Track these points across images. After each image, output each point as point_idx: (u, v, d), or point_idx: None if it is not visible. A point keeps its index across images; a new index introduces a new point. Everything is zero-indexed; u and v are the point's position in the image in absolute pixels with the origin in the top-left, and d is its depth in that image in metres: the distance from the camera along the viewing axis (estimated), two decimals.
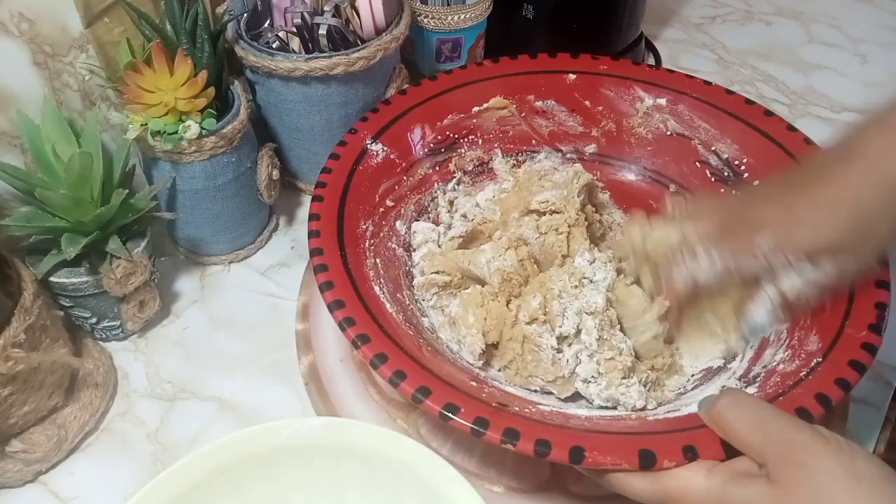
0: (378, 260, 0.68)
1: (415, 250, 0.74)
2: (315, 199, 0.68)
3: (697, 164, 0.78)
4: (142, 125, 0.70)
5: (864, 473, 0.44)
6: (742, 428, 0.48)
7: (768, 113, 0.75)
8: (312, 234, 0.65)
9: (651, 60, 1.12)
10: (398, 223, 0.74)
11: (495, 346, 0.66)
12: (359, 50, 0.77)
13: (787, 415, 0.48)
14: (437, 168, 0.79)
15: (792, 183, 0.61)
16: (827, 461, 0.44)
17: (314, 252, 0.63)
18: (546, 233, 0.71)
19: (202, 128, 0.71)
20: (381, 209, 0.73)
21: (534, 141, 0.83)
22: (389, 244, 0.72)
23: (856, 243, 0.58)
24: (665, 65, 1.11)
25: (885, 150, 0.56)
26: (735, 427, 0.49)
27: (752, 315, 0.63)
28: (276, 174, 0.81)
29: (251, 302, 0.80)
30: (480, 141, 0.81)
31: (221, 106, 0.76)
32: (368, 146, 0.73)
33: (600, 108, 0.82)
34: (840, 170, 0.58)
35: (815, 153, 0.68)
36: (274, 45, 0.80)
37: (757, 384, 0.58)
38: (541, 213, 0.71)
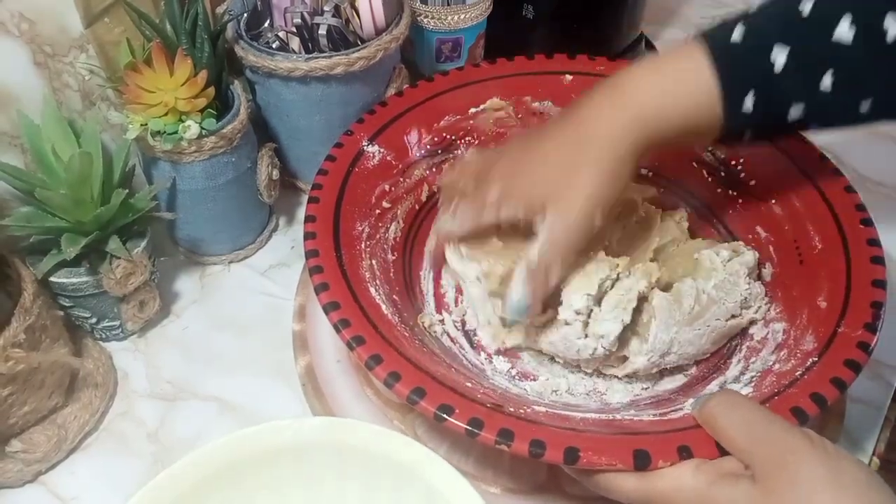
0: (374, 261, 0.68)
1: None
2: (311, 200, 0.68)
3: (694, 164, 0.78)
4: (142, 125, 0.70)
5: (849, 479, 0.44)
6: (731, 428, 0.48)
7: None
8: (308, 236, 0.65)
9: None
10: (394, 225, 0.74)
11: None
12: (359, 50, 0.77)
13: (778, 417, 0.49)
14: (434, 170, 0.79)
15: (527, 141, 0.65)
16: (812, 465, 0.45)
17: (310, 254, 0.63)
18: None
19: (202, 128, 0.72)
20: (378, 211, 0.73)
21: None
22: (385, 246, 0.72)
23: (563, 199, 0.59)
24: None
25: (608, 117, 0.59)
26: (724, 427, 0.49)
27: (511, 293, 0.62)
28: (275, 174, 0.81)
29: (251, 302, 0.80)
30: (477, 142, 0.81)
31: (221, 106, 0.76)
32: (365, 148, 0.73)
33: None
34: (563, 130, 0.62)
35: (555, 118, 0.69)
36: (274, 45, 0.80)
37: (752, 384, 0.58)
38: None
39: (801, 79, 0.56)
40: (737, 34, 0.57)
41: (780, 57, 0.55)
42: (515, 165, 0.63)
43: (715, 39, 0.57)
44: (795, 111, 0.57)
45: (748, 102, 0.57)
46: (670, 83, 0.58)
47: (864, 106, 0.57)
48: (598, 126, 0.59)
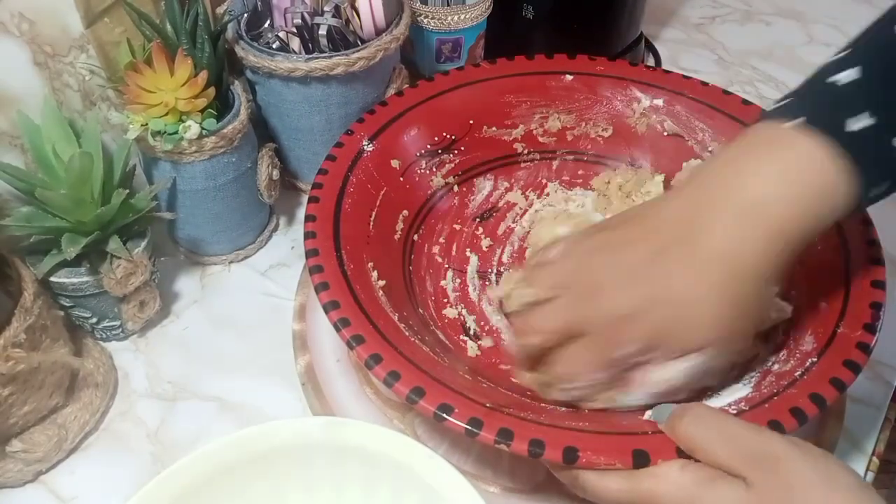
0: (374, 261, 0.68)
1: None
2: (311, 200, 0.68)
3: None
4: (142, 125, 0.70)
5: (840, 481, 0.44)
6: (710, 445, 0.48)
7: None
8: (308, 236, 0.65)
9: (651, 61, 1.12)
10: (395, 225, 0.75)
11: None
12: (359, 50, 0.77)
13: (756, 426, 0.48)
14: (434, 169, 0.79)
15: (636, 270, 0.53)
16: (802, 468, 0.45)
17: (310, 253, 0.63)
18: None
19: (202, 128, 0.72)
20: (378, 210, 0.73)
21: None
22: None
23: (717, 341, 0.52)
24: (665, 65, 1.11)
25: (731, 231, 0.51)
26: (702, 445, 0.48)
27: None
28: (276, 174, 0.81)
29: (251, 302, 0.80)
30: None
31: (222, 106, 0.76)
32: (365, 147, 0.74)
33: (597, 108, 0.82)
34: (683, 259, 0.52)
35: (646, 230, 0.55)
36: (274, 46, 0.80)
37: (752, 384, 0.58)
38: None
39: None
40: (858, 125, 0.49)
41: None
42: (584, 278, 0.54)
43: (832, 130, 0.50)
44: None
45: (881, 188, 0.52)
46: (803, 189, 0.50)
47: None
48: (732, 253, 0.50)
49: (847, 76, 0.51)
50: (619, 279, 0.53)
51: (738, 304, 0.51)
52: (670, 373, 0.53)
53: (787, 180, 0.50)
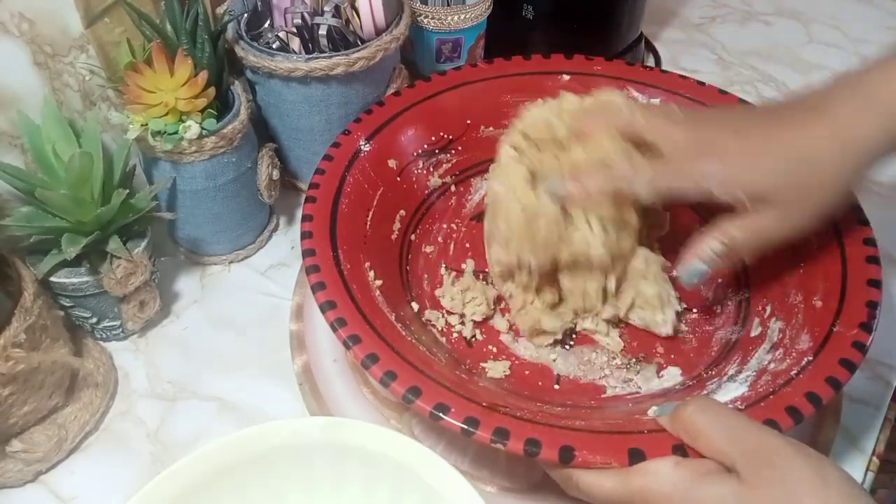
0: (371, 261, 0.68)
1: None
2: (308, 199, 0.68)
3: None
4: (142, 125, 0.70)
5: (833, 481, 0.45)
6: (713, 433, 0.48)
7: None
8: (305, 236, 0.65)
9: (651, 61, 1.12)
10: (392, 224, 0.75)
11: None
12: (359, 50, 0.77)
13: (757, 423, 0.49)
14: (431, 169, 0.79)
15: (756, 120, 0.60)
16: (798, 465, 0.45)
17: (306, 253, 0.64)
18: None
19: (202, 128, 0.72)
20: (375, 210, 0.73)
21: None
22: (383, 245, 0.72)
23: (795, 197, 0.57)
24: (665, 65, 1.11)
25: (855, 111, 0.56)
26: (705, 431, 0.49)
27: (692, 262, 0.61)
28: (276, 174, 0.81)
29: (251, 302, 0.81)
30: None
31: (222, 106, 0.76)
32: (362, 147, 0.74)
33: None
34: (804, 119, 0.57)
35: (778, 103, 0.63)
36: (274, 46, 0.80)
37: (748, 383, 0.59)
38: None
39: None
40: None
41: None
42: (739, 147, 0.58)
43: None
44: None
45: None
46: None
47: None
48: (848, 127, 0.56)
49: None
50: (725, 131, 0.59)
51: (844, 178, 0.57)
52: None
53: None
